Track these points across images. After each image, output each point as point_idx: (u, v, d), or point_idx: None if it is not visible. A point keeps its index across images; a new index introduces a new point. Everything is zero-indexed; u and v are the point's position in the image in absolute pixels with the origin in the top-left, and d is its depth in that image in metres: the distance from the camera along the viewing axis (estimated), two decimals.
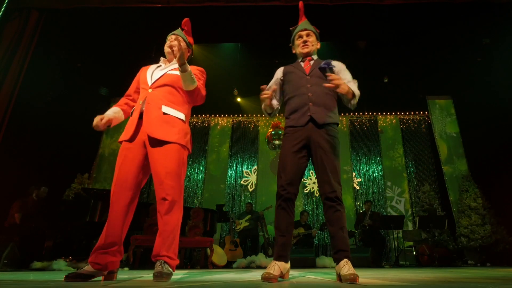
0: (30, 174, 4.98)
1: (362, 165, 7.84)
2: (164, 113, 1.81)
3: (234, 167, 8.03)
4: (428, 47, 6.66)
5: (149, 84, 1.89)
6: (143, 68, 2.04)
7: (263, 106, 1.93)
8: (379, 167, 7.76)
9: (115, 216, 1.68)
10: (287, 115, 1.93)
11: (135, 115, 1.82)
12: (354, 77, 1.93)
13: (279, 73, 2.08)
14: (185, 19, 2.17)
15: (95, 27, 5.68)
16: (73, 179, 6.20)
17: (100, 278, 1.65)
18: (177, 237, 1.73)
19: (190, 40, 2.18)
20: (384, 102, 7.90)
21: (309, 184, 7.67)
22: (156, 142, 1.75)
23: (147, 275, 2.18)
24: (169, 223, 1.68)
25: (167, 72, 1.93)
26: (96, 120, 1.81)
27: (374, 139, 7.99)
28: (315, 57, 2.06)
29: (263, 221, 6.21)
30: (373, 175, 7.72)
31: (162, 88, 1.87)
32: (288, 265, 1.76)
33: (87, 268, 1.60)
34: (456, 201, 6.45)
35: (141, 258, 4.33)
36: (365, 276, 2.13)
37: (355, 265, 1.64)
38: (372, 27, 5.94)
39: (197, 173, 7.98)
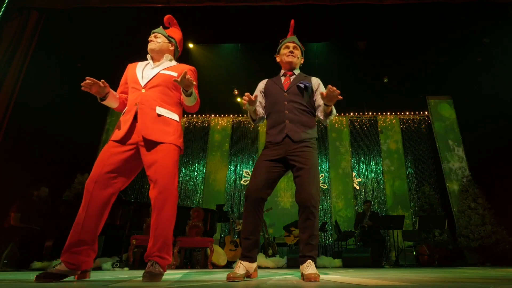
0: (30, 174, 4.97)
1: (362, 165, 7.84)
2: (159, 115, 1.79)
3: (234, 167, 8.03)
4: (428, 47, 6.66)
5: (142, 84, 1.84)
6: (130, 66, 1.98)
7: (248, 111, 1.98)
8: (379, 167, 7.76)
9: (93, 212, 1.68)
10: (267, 130, 2.01)
11: (129, 117, 1.78)
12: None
13: (261, 85, 2.13)
14: (166, 16, 2.16)
15: (95, 27, 5.67)
16: (73, 179, 6.19)
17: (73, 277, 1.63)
18: (170, 236, 1.71)
19: (178, 34, 2.13)
20: (384, 102, 7.91)
21: None
22: (151, 143, 1.74)
23: None
24: (162, 222, 1.66)
25: (160, 72, 1.88)
26: (94, 80, 1.74)
27: (374, 139, 8.00)
28: (297, 71, 2.10)
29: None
30: (373, 175, 7.72)
31: (155, 88, 1.83)
32: (255, 264, 1.82)
33: (59, 267, 1.58)
34: (456, 201, 6.45)
35: (141, 258, 4.32)
36: (365, 276, 2.13)
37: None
38: (372, 27, 5.94)
39: (197, 173, 7.98)
